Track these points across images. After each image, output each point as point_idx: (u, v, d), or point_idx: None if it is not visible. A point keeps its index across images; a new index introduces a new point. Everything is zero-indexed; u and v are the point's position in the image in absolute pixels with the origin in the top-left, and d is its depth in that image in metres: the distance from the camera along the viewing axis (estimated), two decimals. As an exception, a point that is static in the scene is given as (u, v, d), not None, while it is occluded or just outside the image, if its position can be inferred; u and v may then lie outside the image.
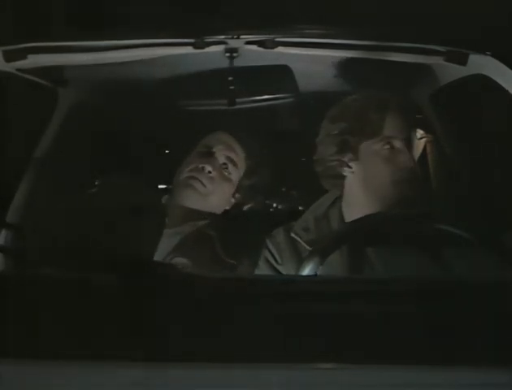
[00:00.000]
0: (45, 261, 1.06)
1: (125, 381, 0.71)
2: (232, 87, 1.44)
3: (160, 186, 2.30)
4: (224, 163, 1.61)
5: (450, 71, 1.44)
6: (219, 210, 1.65)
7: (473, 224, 1.21)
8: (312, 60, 1.48)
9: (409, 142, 1.39)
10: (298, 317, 0.80)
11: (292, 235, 1.45)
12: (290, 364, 0.72)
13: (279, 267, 1.44)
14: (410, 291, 0.88)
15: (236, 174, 1.62)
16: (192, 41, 1.28)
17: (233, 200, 1.67)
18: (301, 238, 1.44)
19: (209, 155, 1.60)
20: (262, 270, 1.45)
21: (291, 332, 0.77)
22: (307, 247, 1.41)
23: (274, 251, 1.45)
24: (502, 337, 0.78)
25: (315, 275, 1.06)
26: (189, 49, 1.30)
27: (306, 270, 1.07)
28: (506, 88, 1.23)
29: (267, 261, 1.46)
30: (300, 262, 1.41)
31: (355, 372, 0.72)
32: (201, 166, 1.58)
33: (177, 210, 1.60)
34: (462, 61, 1.31)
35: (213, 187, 1.59)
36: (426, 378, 0.72)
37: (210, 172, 1.58)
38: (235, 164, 1.62)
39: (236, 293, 0.87)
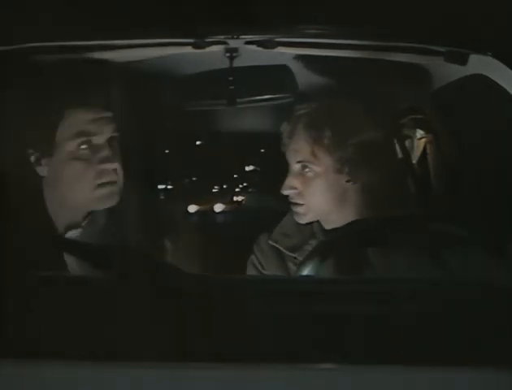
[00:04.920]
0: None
1: (125, 381, 0.71)
2: (232, 87, 1.44)
3: (159, 186, 2.31)
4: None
5: (450, 71, 1.44)
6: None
7: (473, 224, 1.21)
8: (312, 60, 1.49)
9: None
10: (298, 317, 0.80)
11: (271, 242, 1.45)
12: (290, 364, 0.72)
13: (265, 273, 1.44)
14: (409, 291, 0.88)
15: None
16: (192, 41, 1.27)
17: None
18: (280, 244, 1.43)
19: None
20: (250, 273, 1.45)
21: (291, 332, 0.78)
22: (289, 253, 1.41)
23: (259, 256, 1.45)
24: (502, 337, 0.78)
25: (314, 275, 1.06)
26: (189, 49, 1.30)
27: (305, 271, 1.07)
28: (506, 88, 1.23)
29: (254, 266, 1.46)
30: (284, 269, 1.41)
31: (355, 372, 0.72)
32: None
33: None
34: (462, 61, 1.31)
35: None
36: (426, 378, 0.72)
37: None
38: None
39: (236, 293, 0.87)
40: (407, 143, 1.75)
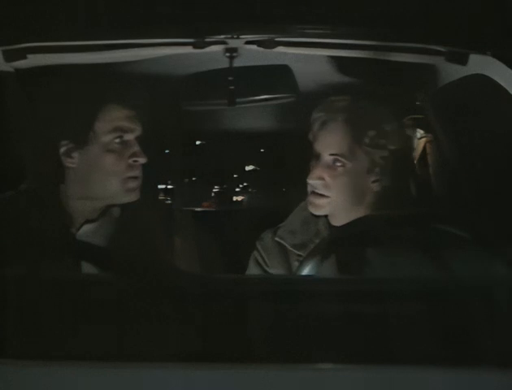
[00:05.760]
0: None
1: (125, 381, 0.71)
2: (232, 87, 1.44)
3: (160, 186, 2.30)
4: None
5: (450, 71, 1.44)
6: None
7: (473, 224, 1.21)
8: (312, 60, 1.49)
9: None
10: (298, 317, 0.80)
11: (277, 239, 1.44)
12: (290, 364, 0.72)
13: (268, 269, 1.43)
14: (409, 291, 0.88)
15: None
16: (192, 41, 1.28)
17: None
18: (286, 242, 1.43)
19: None
20: (252, 271, 1.45)
21: (291, 332, 0.78)
22: (294, 251, 1.41)
23: (263, 253, 1.45)
24: (502, 337, 0.78)
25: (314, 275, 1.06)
26: (189, 49, 1.30)
27: (307, 268, 1.07)
28: (506, 88, 1.23)
29: (257, 262, 1.45)
30: (288, 266, 1.41)
31: (355, 372, 0.72)
32: None
33: None
34: (462, 61, 1.31)
35: None
36: (426, 378, 0.72)
37: None
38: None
39: (236, 293, 0.87)
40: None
